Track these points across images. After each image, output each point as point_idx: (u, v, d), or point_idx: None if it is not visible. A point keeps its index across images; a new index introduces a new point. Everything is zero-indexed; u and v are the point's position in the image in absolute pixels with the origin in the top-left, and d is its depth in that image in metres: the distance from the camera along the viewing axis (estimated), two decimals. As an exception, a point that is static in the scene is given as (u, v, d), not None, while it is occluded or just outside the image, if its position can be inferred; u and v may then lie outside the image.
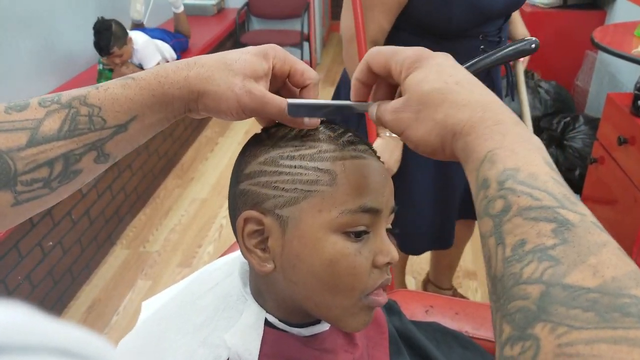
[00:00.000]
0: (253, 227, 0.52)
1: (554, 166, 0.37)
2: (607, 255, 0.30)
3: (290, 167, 0.51)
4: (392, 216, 0.56)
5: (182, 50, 3.13)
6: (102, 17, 2.50)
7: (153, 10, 3.31)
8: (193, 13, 3.80)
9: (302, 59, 3.98)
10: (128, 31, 2.60)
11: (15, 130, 0.43)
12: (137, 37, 2.66)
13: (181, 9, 3.18)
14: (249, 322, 0.56)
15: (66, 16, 2.60)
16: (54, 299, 2.03)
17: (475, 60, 0.56)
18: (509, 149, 0.36)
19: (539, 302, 0.29)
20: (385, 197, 0.53)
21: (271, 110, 0.49)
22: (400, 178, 1.44)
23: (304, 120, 0.51)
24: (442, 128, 0.41)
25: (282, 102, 0.49)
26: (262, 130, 0.56)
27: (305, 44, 4.11)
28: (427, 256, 2.26)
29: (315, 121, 0.51)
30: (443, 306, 1.08)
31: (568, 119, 2.51)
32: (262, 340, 0.55)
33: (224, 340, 0.54)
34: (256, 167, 0.53)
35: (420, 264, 2.28)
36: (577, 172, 2.41)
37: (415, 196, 1.45)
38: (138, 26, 3.03)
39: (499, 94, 1.48)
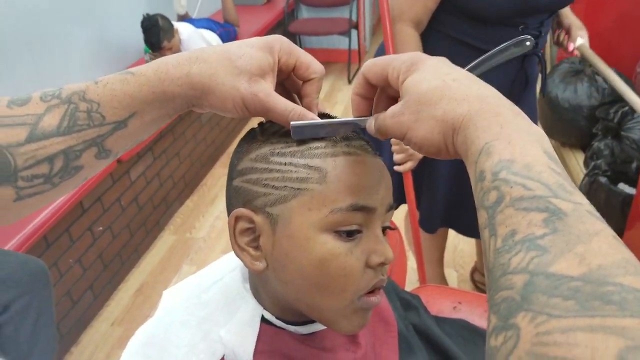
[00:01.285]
0: (244, 225, 0.52)
1: (555, 156, 0.36)
2: (598, 244, 0.29)
3: (281, 164, 0.50)
4: (391, 214, 0.54)
5: (229, 39, 3.17)
6: (147, 14, 2.56)
7: (203, 2, 3.37)
8: (242, 2, 3.83)
9: (349, 47, 3.97)
10: (173, 23, 2.66)
11: (15, 126, 0.44)
12: (183, 28, 2.72)
13: (228, -2, 3.22)
14: (245, 318, 0.56)
15: (118, 8, 2.68)
16: (104, 281, 2.13)
17: (472, 65, 0.55)
18: (506, 140, 0.36)
19: (522, 291, 0.29)
20: (380, 194, 0.51)
21: (274, 116, 0.49)
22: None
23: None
24: (442, 125, 0.40)
25: (286, 108, 0.48)
26: (258, 124, 0.55)
27: (354, 32, 4.07)
28: (471, 250, 2.21)
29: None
30: (472, 303, 1.05)
31: (626, 108, 2.38)
32: (257, 337, 0.55)
33: (220, 336, 0.55)
34: (248, 164, 0.52)
35: (463, 257, 2.23)
36: (634, 165, 2.28)
37: (433, 172, 1.46)
38: (183, 17, 3.09)
39: (531, 89, 1.44)
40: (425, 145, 0.42)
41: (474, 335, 0.98)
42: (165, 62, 0.47)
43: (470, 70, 0.50)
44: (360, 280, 0.50)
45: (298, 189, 0.49)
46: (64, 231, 1.89)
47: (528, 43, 0.54)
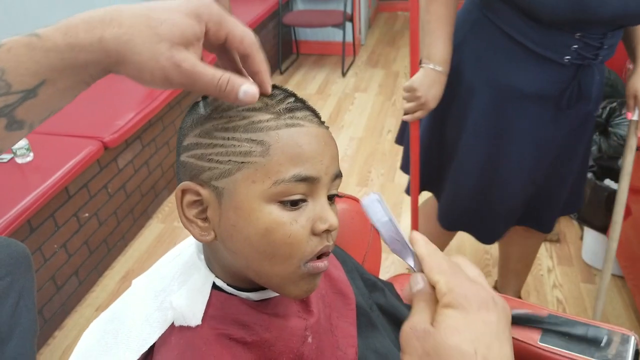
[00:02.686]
0: (192, 197, 0.53)
1: None
2: None
3: (224, 138, 0.51)
4: (338, 181, 0.55)
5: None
6: None
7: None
8: (237, -7, 3.82)
9: (344, 40, 3.97)
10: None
11: None
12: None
13: (222, -12, 3.21)
14: (196, 285, 0.57)
15: None
16: (89, 267, 2.13)
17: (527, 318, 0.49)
18: None
19: None
20: (324, 164, 0.52)
21: (201, 87, 0.45)
22: (450, 146, 1.42)
23: (238, 94, 0.47)
24: None
25: (214, 75, 0.45)
26: (202, 98, 0.55)
27: (349, 25, 4.06)
28: (474, 247, 2.22)
29: (252, 94, 0.48)
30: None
31: (614, 104, 2.39)
32: (208, 303, 0.56)
33: (171, 302, 0.55)
34: (193, 140, 0.53)
35: (467, 255, 2.23)
36: (620, 161, 2.29)
37: (461, 167, 1.41)
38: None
39: (587, 107, 1.29)
40: None
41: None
42: (75, 25, 0.42)
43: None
44: (306, 247, 0.51)
45: (242, 162, 0.50)
46: (49, 216, 1.89)
47: None
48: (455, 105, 1.35)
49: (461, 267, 0.44)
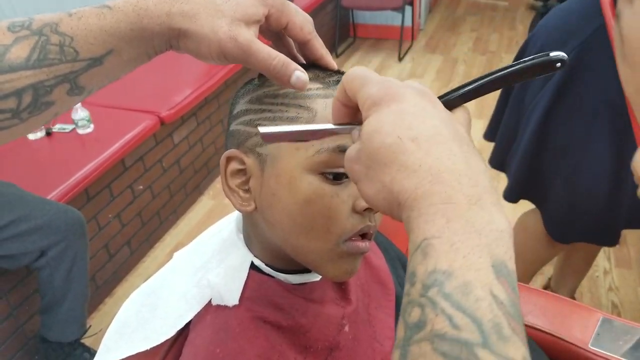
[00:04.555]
0: (236, 166, 0.53)
1: (507, 268, 0.30)
2: None
3: (273, 104, 0.51)
4: None
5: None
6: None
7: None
8: (297, -27, 3.80)
9: (402, 24, 3.89)
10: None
11: None
12: None
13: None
14: (234, 264, 0.57)
15: None
16: (141, 238, 2.20)
17: (468, 82, 0.41)
18: (449, 241, 0.30)
19: None
20: None
21: (255, 63, 0.46)
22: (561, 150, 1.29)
23: (291, 77, 0.47)
24: (388, 193, 0.34)
25: (269, 54, 0.46)
26: (257, 75, 0.55)
27: (408, 9, 3.97)
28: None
29: (303, 80, 0.47)
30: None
31: None
32: (245, 284, 0.56)
33: (208, 280, 0.55)
34: (243, 107, 0.53)
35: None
36: None
37: (578, 166, 1.27)
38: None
39: None
40: (372, 205, 0.36)
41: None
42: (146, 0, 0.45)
43: (469, 91, 0.41)
44: (346, 223, 0.50)
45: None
46: (105, 187, 1.95)
47: (559, 65, 0.40)
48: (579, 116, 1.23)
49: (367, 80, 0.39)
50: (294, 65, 0.47)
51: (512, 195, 1.47)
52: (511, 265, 0.30)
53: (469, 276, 0.28)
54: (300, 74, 0.47)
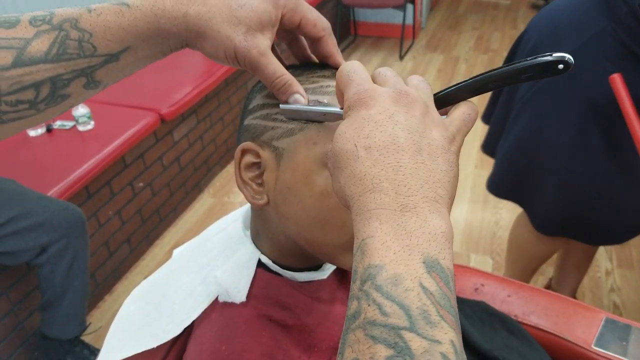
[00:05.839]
0: (250, 159, 0.53)
1: (440, 265, 0.31)
2: None
3: None
4: None
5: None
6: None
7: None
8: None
9: (403, 22, 3.88)
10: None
11: (1, 49, 0.42)
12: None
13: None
14: (241, 260, 0.57)
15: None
16: (141, 235, 2.19)
17: (458, 83, 0.42)
18: (381, 240, 0.32)
19: None
20: None
21: (260, 76, 0.48)
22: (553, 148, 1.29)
23: (289, 98, 0.49)
24: (342, 194, 0.37)
25: (275, 72, 0.47)
26: None
27: (409, 7, 3.96)
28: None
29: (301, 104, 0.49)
30: (495, 286, 1.02)
31: None
32: (252, 282, 0.55)
33: (216, 276, 0.55)
34: (259, 101, 0.53)
35: (501, 245, 2.17)
36: None
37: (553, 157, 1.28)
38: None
39: None
40: (338, 200, 0.39)
41: (493, 319, 0.95)
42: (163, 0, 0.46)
43: (442, 93, 0.42)
44: None
45: (305, 122, 0.50)
46: (106, 184, 1.95)
47: (561, 66, 0.39)
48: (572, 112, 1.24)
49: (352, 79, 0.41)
50: (296, 87, 0.49)
51: (497, 190, 1.49)
52: (445, 263, 0.32)
53: (399, 270, 0.31)
54: (298, 97, 0.49)
